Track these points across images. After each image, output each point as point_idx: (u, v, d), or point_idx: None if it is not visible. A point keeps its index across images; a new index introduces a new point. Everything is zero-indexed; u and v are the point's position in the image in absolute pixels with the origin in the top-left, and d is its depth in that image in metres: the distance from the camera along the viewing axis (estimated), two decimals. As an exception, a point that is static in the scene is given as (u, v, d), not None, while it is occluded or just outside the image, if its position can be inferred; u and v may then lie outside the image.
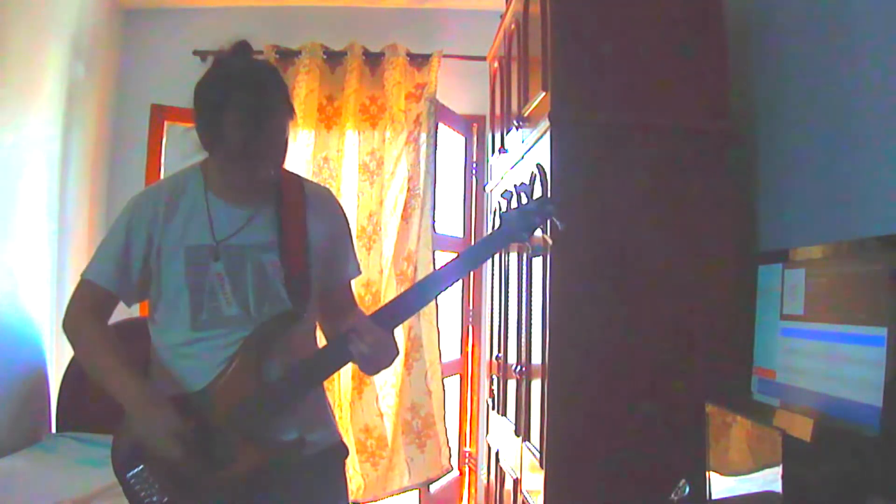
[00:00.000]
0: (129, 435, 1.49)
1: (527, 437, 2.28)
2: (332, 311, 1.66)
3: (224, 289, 1.49)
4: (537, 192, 2.17)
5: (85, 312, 1.53)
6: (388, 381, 3.47)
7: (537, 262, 2.18)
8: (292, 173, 1.65)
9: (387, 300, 3.39)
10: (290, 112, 1.49)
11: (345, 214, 1.70)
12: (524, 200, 1.59)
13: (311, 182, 1.71)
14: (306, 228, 1.56)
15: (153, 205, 1.52)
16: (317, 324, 1.67)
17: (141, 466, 1.47)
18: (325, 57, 3.55)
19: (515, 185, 1.74)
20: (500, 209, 2.86)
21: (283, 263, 1.52)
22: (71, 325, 1.54)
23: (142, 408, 1.44)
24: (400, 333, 3.42)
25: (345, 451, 1.66)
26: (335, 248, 1.63)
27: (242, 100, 1.38)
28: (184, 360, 1.50)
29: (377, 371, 1.58)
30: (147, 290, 1.54)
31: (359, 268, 1.71)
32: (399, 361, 3.43)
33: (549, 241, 1.54)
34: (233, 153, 1.42)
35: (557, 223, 1.56)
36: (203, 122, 1.43)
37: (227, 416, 1.46)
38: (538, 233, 1.62)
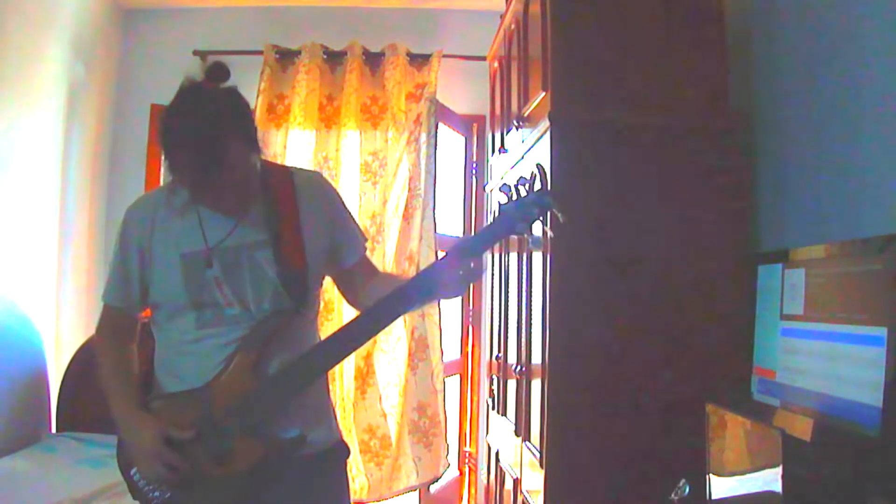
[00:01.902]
0: None
1: (527, 437, 2.28)
2: (359, 285, 1.67)
3: (223, 291, 1.50)
4: (537, 188, 2.17)
5: (104, 332, 1.62)
6: (391, 382, 3.47)
7: (537, 262, 2.18)
8: (281, 166, 1.65)
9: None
10: (246, 147, 1.42)
11: (339, 195, 1.69)
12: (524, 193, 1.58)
13: (301, 171, 1.70)
14: (300, 222, 1.55)
15: (141, 217, 1.55)
16: (317, 316, 1.68)
17: None
18: (325, 57, 3.55)
19: (517, 181, 1.72)
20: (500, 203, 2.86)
21: (278, 258, 1.52)
22: (94, 345, 1.65)
23: (125, 421, 1.51)
24: (404, 334, 3.42)
25: (346, 452, 1.67)
26: (336, 232, 1.62)
27: (185, 143, 1.36)
28: (188, 357, 1.52)
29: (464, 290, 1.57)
30: (145, 298, 1.58)
31: (365, 241, 1.70)
32: (403, 362, 3.44)
33: (550, 234, 1.52)
34: (187, 189, 1.43)
35: (558, 215, 1.53)
36: (162, 152, 1.43)
37: (227, 413, 1.47)
38: (538, 225, 1.60)
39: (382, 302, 1.52)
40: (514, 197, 1.57)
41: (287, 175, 1.62)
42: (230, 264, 1.50)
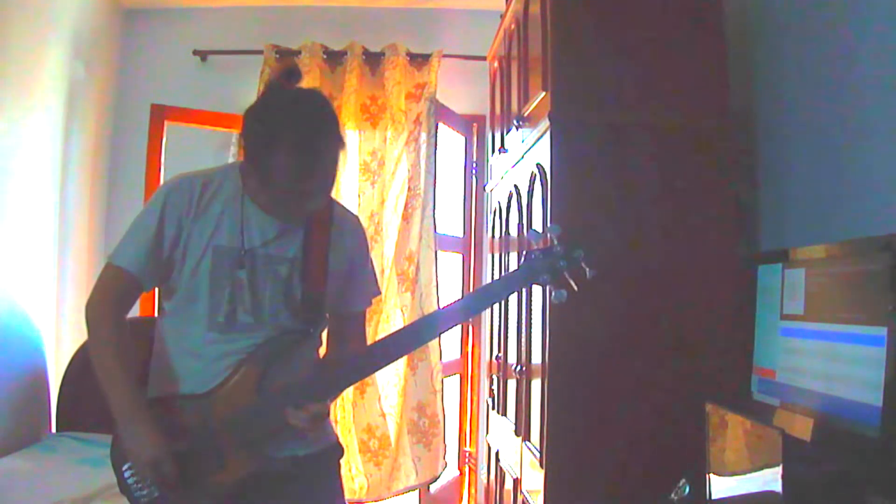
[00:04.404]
0: None
1: (527, 437, 2.28)
2: (338, 339, 1.67)
3: (243, 296, 1.48)
4: (537, 194, 2.17)
5: (108, 304, 1.49)
6: (390, 381, 3.47)
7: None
8: None
9: (387, 300, 3.44)
10: (341, 147, 1.43)
11: (367, 245, 1.70)
12: (547, 236, 1.53)
13: (341, 206, 1.68)
14: (328, 251, 1.55)
15: (187, 196, 1.48)
16: (321, 341, 1.67)
17: None
18: (325, 57, 3.55)
19: (529, 232, 1.69)
20: (501, 207, 2.86)
21: (302, 280, 1.52)
22: (92, 314, 1.50)
23: (129, 423, 1.45)
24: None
25: (340, 451, 1.66)
26: (349, 277, 1.62)
27: (291, 143, 1.34)
28: (193, 359, 1.50)
29: None
30: (164, 279, 1.51)
31: (371, 299, 1.70)
32: (403, 362, 3.43)
33: (576, 288, 1.50)
34: (278, 194, 1.41)
35: (587, 270, 1.49)
36: (250, 157, 1.39)
37: (223, 425, 1.46)
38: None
39: (389, 341, 1.55)
40: (540, 244, 1.54)
41: (328, 204, 1.59)
42: (258, 272, 1.49)
